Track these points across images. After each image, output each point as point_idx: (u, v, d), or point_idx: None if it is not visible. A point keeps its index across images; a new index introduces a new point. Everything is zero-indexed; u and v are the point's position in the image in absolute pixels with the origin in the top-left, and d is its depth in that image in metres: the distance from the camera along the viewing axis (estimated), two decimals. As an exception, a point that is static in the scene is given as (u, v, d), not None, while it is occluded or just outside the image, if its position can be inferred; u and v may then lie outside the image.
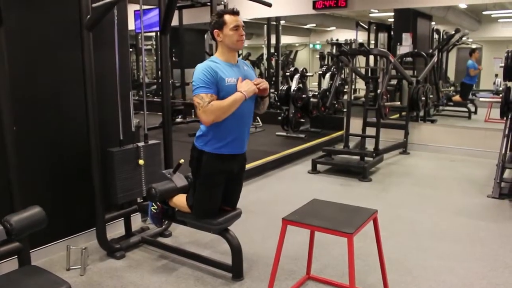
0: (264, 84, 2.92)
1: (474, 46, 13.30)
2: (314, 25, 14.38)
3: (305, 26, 14.88)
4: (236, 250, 3.10)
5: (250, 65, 3.12)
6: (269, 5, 5.66)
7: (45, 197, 3.27)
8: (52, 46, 3.37)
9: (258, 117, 8.88)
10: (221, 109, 2.72)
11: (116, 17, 3.46)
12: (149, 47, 12.72)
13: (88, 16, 3.08)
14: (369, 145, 6.61)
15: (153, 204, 3.28)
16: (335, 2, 8.05)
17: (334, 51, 9.94)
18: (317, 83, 10.94)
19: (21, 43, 3.16)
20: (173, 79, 10.41)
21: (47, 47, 3.34)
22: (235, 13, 2.85)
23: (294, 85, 7.70)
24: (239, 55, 2.99)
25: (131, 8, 4.14)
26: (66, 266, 3.29)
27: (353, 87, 8.12)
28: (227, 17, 2.81)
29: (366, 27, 9.94)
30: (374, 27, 9.77)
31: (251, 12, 9.52)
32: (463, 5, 9.18)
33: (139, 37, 3.96)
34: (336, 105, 8.12)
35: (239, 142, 2.94)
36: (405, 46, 8.38)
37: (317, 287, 3.05)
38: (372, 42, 9.83)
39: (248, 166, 5.55)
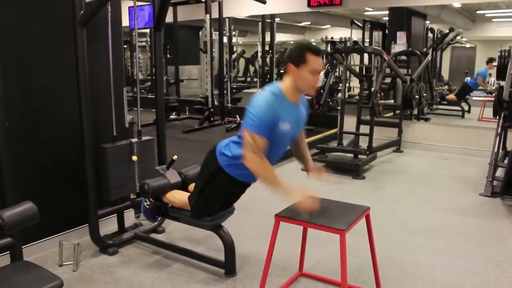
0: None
1: (468, 45, 13.36)
2: (309, 23, 14.39)
3: (299, 24, 14.88)
4: (229, 247, 3.10)
5: (306, 103, 2.82)
6: (264, 2, 5.66)
7: (37, 193, 3.24)
8: (45, 42, 3.35)
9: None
10: (262, 174, 2.54)
11: (109, 13, 3.45)
12: (143, 43, 12.68)
13: (82, 12, 3.07)
14: (363, 143, 6.62)
15: (146, 200, 3.28)
16: (330, 0, 8.06)
17: (328, 49, 9.94)
18: (311, 81, 10.93)
19: (13, 39, 3.14)
20: (167, 76, 10.39)
21: (40, 43, 3.32)
22: (319, 53, 2.51)
23: (288, 82, 7.70)
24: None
25: (125, 5, 4.12)
26: (58, 262, 3.29)
27: (347, 85, 8.14)
28: (310, 57, 2.47)
29: (361, 25, 9.95)
30: (369, 26, 9.78)
31: (246, 9, 9.51)
32: (457, 4, 9.20)
33: (133, 34, 3.95)
34: (330, 103, 8.12)
35: None
36: (400, 44, 8.40)
37: (309, 283, 3.06)
38: (367, 40, 9.84)
39: (242, 163, 5.57)
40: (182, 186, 3.31)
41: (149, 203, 3.28)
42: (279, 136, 2.57)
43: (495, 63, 5.66)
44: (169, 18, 8.26)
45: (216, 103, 9.29)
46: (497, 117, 5.36)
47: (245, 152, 2.52)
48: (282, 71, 8.27)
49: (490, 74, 9.90)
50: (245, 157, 2.53)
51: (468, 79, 10.17)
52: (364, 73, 7.79)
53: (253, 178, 2.80)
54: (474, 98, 8.83)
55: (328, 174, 2.80)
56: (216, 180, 2.83)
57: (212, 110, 8.77)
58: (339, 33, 12.27)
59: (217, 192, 2.90)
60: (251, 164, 2.52)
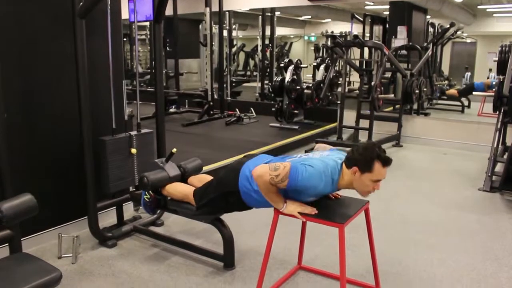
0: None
1: (468, 40, 13.34)
2: (309, 17, 14.37)
3: (300, 18, 14.86)
4: (228, 240, 3.11)
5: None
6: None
7: (36, 185, 3.24)
8: (45, 34, 3.34)
9: (251, 108, 8.87)
10: (266, 191, 2.49)
11: (109, 6, 3.43)
12: (143, 37, 12.65)
13: (81, 4, 3.06)
14: (363, 137, 6.63)
15: (146, 193, 3.28)
16: (331, -6, 8.03)
17: (328, 43, 9.92)
18: (311, 75, 10.93)
19: (12, 31, 3.13)
20: (167, 69, 10.37)
21: (39, 35, 3.31)
22: (389, 164, 2.42)
23: (288, 76, 7.69)
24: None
25: (125, -3, 4.11)
26: (57, 254, 3.29)
27: (347, 79, 8.13)
28: (378, 167, 2.37)
29: (361, 19, 9.93)
30: (369, 20, 9.77)
31: (246, 2, 9.49)
32: (458, -1, 9.20)
33: (133, 27, 3.93)
34: (330, 97, 8.11)
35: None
36: (400, 39, 8.40)
37: (308, 277, 3.07)
38: (367, 34, 9.83)
39: (240, 157, 5.57)
40: (181, 179, 3.31)
41: (149, 196, 3.27)
42: (296, 195, 2.54)
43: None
44: (169, 11, 8.24)
45: (215, 96, 9.28)
46: (497, 112, 5.36)
47: (265, 171, 2.43)
48: (281, 65, 8.24)
49: (490, 69, 9.90)
50: (261, 172, 2.45)
51: (467, 74, 10.13)
52: (364, 67, 7.78)
53: (265, 206, 2.72)
54: (474, 93, 8.83)
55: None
56: (229, 198, 2.84)
57: (211, 103, 8.76)
58: (339, 27, 12.27)
59: (227, 206, 2.93)
60: (260, 182, 2.47)
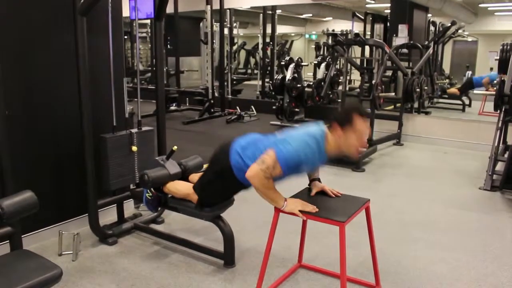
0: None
1: (470, 39, 13.33)
2: (310, 15, 14.35)
3: (301, 16, 14.85)
4: (228, 238, 3.11)
5: None
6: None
7: (37, 183, 3.25)
8: (46, 31, 3.33)
9: (252, 106, 8.87)
10: (264, 191, 2.50)
11: (110, 3, 3.43)
12: (144, 34, 12.65)
13: (82, 1, 3.05)
14: (363, 136, 6.61)
15: (148, 190, 3.28)
16: (332, -8, 8.02)
17: (329, 41, 9.91)
18: (312, 73, 10.93)
19: (13, 28, 3.13)
20: (168, 67, 10.36)
21: (40, 32, 3.31)
22: (366, 116, 2.49)
23: (289, 74, 7.69)
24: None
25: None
26: (58, 251, 3.29)
27: (348, 77, 8.13)
28: (357, 120, 2.42)
29: (363, 18, 9.93)
30: (371, 18, 9.76)
31: (248, 0, 9.48)
32: (459, -3, 9.18)
33: (134, 24, 3.93)
34: (331, 95, 8.11)
35: None
36: (401, 37, 8.37)
37: (308, 275, 3.07)
38: (368, 33, 9.83)
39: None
40: (182, 177, 3.31)
41: (151, 194, 3.28)
42: (295, 172, 2.58)
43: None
44: (170, 9, 8.23)
45: (216, 94, 9.28)
46: (498, 111, 5.35)
47: (256, 168, 2.43)
48: (282, 63, 8.23)
49: (491, 68, 9.88)
50: (253, 172, 2.44)
51: (468, 73, 10.11)
52: (365, 65, 7.78)
53: None
54: (475, 92, 8.81)
55: (334, 193, 2.78)
56: (225, 178, 2.83)
57: (212, 101, 8.76)
58: (340, 25, 12.25)
59: (225, 188, 2.94)
60: (256, 182, 2.46)
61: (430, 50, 7.87)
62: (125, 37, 10.86)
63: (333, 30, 11.09)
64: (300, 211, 2.50)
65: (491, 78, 9.48)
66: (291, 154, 2.40)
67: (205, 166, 3.22)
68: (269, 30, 10.42)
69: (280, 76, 7.82)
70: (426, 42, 8.69)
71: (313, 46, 13.19)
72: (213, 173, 2.90)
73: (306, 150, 2.42)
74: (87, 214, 3.44)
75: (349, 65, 7.19)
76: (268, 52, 10.47)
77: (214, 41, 9.12)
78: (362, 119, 2.43)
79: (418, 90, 7.03)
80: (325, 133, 2.51)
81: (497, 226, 3.94)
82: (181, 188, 3.15)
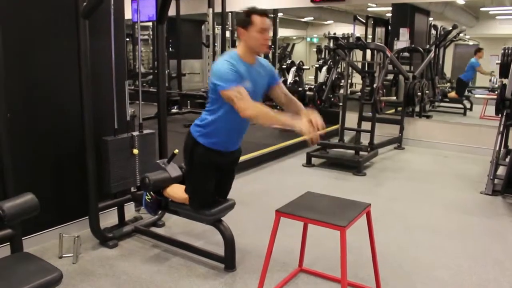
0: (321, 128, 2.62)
1: (471, 42, 13.32)
2: (312, 18, 14.35)
3: (302, 19, 14.84)
4: (229, 241, 3.10)
5: (267, 64, 2.98)
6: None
7: (38, 185, 3.24)
8: (47, 34, 3.34)
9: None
10: (264, 112, 2.56)
11: (112, 6, 3.43)
12: (146, 37, 12.67)
13: (84, 4, 3.06)
14: (364, 139, 6.61)
15: (148, 193, 3.27)
16: (333, -4, 8.03)
17: (331, 44, 9.92)
18: (313, 77, 10.94)
19: (15, 31, 3.13)
20: (170, 70, 10.37)
21: (42, 35, 3.31)
22: (264, 14, 2.72)
23: (290, 78, 7.71)
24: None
25: (128, -3, 4.11)
26: (58, 254, 3.29)
27: (349, 81, 8.13)
28: (255, 18, 2.67)
29: (364, 21, 9.93)
30: (372, 22, 9.76)
31: (249, 3, 9.48)
32: (461, 1, 9.19)
33: (136, 27, 3.93)
34: (332, 99, 8.12)
35: (233, 142, 2.96)
36: (402, 41, 8.38)
37: (309, 279, 3.06)
38: (370, 36, 9.82)
39: (243, 158, 5.52)
40: (183, 180, 3.31)
41: (150, 197, 3.27)
42: (255, 91, 2.74)
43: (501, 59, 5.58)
44: (171, 12, 8.24)
45: (217, 97, 9.26)
46: (500, 115, 5.34)
47: (238, 105, 2.58)
48: (283, 66, 8.24)
49: (492, 71, 9.87)
50: (240, 109, 2.58)
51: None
52: (366, 69, 7.76)
53: (227, 147, 2.93)
54: (476, 95, 8.81)
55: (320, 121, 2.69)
56: (196, 155, 2.90)
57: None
58: (341, 29, 12.26)
59: (202, 168, 2.93)
60: (249, 111, 2.57)
61: (432, 54, 7.88)
62: (127, 39, 10.88)
63: (334, 34, 11.14)
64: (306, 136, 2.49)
65: (476, 65, 9.70)
66: (226, 76, 2.60)
67: None
68: (270, 33, 10.42)
69: (281, 80, 7.82)
70: (428, 46, 8.70)
71: (315, 50, 13.22)
72: (188, 163, 2.97)
73: (228, 66, 2.62)
74: (87, 217, 3.44)
75: (350, 68, 7.19)
76: (270, 55, 10.47)
77: (215, 44, 9.11)
78: (259, 16, 2.68)
79: (419, 94, 7.04)
80: (235, 50, 2.79)
81: (498, 230, 3.93)
82: (180, 192, 3.14)
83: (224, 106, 2.74)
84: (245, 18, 2.69)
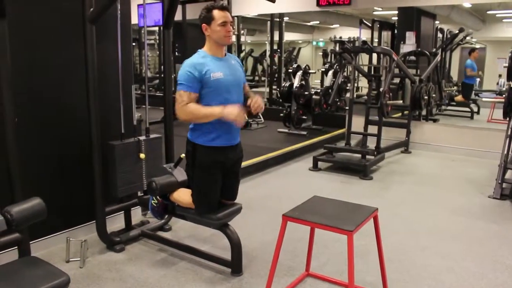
0: (260, 108, 2.96)
1: (478, 46, 13.28)
2: (318, 22, 14.36)
3: (308, 23, 14.87)
4: (236, 246, 3.10)
5: (238, 59, 3.17)
6: (273, 1, 5.64)
7: (45, 189, 3.26)
8: (55, 39, 3.36)
9: (260, 114, 8.87)
10: (195, 115, 2.82)
11: (119, 11, 3.45)
12: (152, 41, 12.72)
13: (91, 9, 3.07)
14: (371, 143, 6.60)
15: (154, 198, 3.28)
16: (339, -1, 8.03)
17: (337, 48, 9.91)
18: (319, 81, 10.93)
19: (23, 36, 3.15)
20: (176, 74, 10.39)
21: (50, 39, 3.33)
22: (224, 8, 2.88)
23: (296, 82, 7.70)
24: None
25: (134, 2, 4.13)
26: (65, 258, 3.30)
27: (355, 85, 8.12)
28: (215, 13, 2.84)
29: (370, 25, 9.92)
30: (378, 25, 9.76)
31: (255, 8, 9.50)
32: (467, 4, 9.15)
33: (142, 32, 3.95)
34: (338, 103, 8.10)
35: (229, 135, 2.97)
36: (409, 44, 8.37)
37: (316, 284, 3.05)
38: (376, 40, 9.82)
39: (249, 162, 5.57)
40: (189, 185, 3.31)
41: (156, 201, 3.28)
42: (217, 84, 2.84)
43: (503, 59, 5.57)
44: (178, 16, 8.26)
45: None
46: (507, 119, 5.31)
47: (176, 109, 2.84)
48: (289, 70, 8.24)
49: (500, 75, 9.83)
50: (176, 113, 2.85)
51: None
52: (372, 73, 7.77)
53: (227, 139, 2.97)
54: (483, 99, 8.77)
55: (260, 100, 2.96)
56: (197, 158, 2.96)
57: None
58: (347, 32, 12.24)
59: (205, 169, 2.96)
60: (181, 115, 2.82)
61: (438, 57, 7.85)
62: (134, 44, 10.92)
63: (340, 37, 11.12)
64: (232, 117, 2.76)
65: (470, 67, 9.74)
66: (183, 78, 2.80)
67: None
68: (276, 37, 10.43)
69: (287, 84, 7.83)
70: (434, 49, 8.68)
71: (321, 53, 13.22)
72: (192, 167, 3.02)
73: (189, 66, 2.81)
74: (94, 221, 3.45)
75: (356, 72, 7.19)
76: (276, 59, 10.49)
77: (221, 48, 9.14)
78: (219, 10, 2.84)
79: (426, 97, 7.01)
80: (201, 49, 2.95)
81: (506, 235, 3.90)
82: (186, 197, 3.14)
83: (205, 99, 2.86)
84: (206, 14, 2.86)
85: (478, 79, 10.35)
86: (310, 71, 8.11)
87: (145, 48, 4.75)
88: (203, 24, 2.88)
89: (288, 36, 12.53)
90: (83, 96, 3.25)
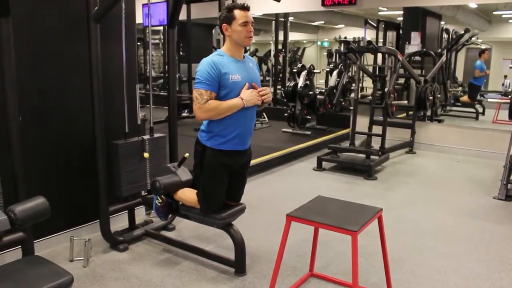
0: (268, 97, 2.96)
1: (483, 46, 13.23)
2: (323, 22, 14.34)
3: (313, 23, 14.84)
4: (239, 245, 3.09)
5: (255, 62, 3.12)
6: (278, 0, 5.63)
7: (49, 188, 3.26)
8: (59, 38, 3.36)
9: (264, 113, 8.87)
10: (216, 110, 2.77)
11: (123, 10, 3.45)
12: (157, 41, 12.73)
13: (96, 8, 3.08)
14: (375, 143, 6.58)
15: (158, 197, 3.28)
16: (344, -1, 8.01)
17: (342, 48, 9.88)
18: (324, 80, 10.91)
19: (27, 35, 3.15)
20: (180, 74, 10.40)
21: (54, 38, 3.33)
22: (245, 8, 2.82)
23: (301, 82, 7.68)
24: (246, 51, 3.02)
25: (139, 2, 4.13)
26: (69, 257, 3.30)
27: (360, 85, 8.09)
28: (236, 12, 2.79)
29: (375, 25, 9.89)
30: (383, 26, 9.72)
31: (260, 7, 9.49)
32: (473, 5, 9.10)
33: (147, 31, 3.95)
34: (343, 103, 8.08)
35: (242, 139, 2.95)
36: (414, 45, 8.34)
37: (320, 284, 3.04)
38: (381, 40, 9.78)
39: (253, 162, 5.53)
40: (193, 184, 3.30)
41: (160, 200, 3.28)
42: (234, 86, 2.82)
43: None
44: (182, 16, 8.26)
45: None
46: (513, 120, 5.29)
47: (194, 108, 2.79)
48: (294, 70, 8.22)
49: (505, 76, 9.78)
50: (195, 112, 2.81)
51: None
52: (377, 73, 7.73)
53: (237, 144, 2.94)
54: (489, 100, 8.73)
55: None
56: (206, 160, 2.93)
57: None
58: (352, 32, 12.21)
59: (213, 171, 2.94)
60: (201, 114, 2.79)
61: (443, 58, 7.82)
62: (138, 43, 10.92)
63: (345, 38, 11.08)
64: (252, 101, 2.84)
65: (479, 68, 9.63)
66: (202, 76, 2.75)
67: None
68: (281, 37, 10.41)
69: (292, 83, 7.81)
70: (439, 50, 8.64)
71: (325, 53, 13.18)
72: (199, 168, 3.00)
73: (208, 65, 2.75)
74: (98, 220, 3.45)
75: (361, 72, 7.15)
76: (280, 59, 10.47)
77: (226, 48, 9.14)
78: (241, 10, 2.80)
79: (431, 98, 6.99)
80: (221, 48, 2.91)
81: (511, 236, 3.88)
82: (191, 196, 3.14)
83: (220, 100, 2.81)
84: (227, 14, 2.81)
85: (484, 80, 10.28)
86: (314, 71, 8.09)
87: (150, 48, 4.75)
88: (224, 24, 2.83)
89: (293, 36, 12.50)
90: (87, 95, 3.25)
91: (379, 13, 10.23)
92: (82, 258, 3.27)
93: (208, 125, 2.91)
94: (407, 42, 8.49)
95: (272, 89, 10.43)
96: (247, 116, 2.92)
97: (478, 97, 9.93)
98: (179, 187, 3.24)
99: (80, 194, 3.59)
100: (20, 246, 2.77)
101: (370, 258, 3.32)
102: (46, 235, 3.41)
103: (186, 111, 9.57)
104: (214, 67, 2.74)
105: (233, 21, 2.79)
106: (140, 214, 4.05)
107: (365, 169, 5.72)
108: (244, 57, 2.96)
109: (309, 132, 7.75)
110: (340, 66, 8.67)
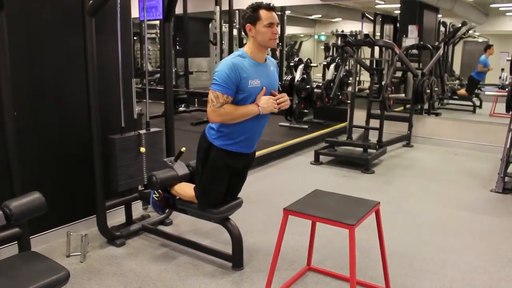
0: (286, 104, 2.85)
1: (480, 39, 13.23)
2: (320, 16, 14.31)
3: (310, 17, 14.81)
4: (237, 240, 3.09)
5: (276, 65, 3.02)
6: (275, -6, 5.58)
7: (45, 184, 3.26)
8: (54, 32, 3.34)
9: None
10: (231, 115, 2.69)
11: (119, 4, 3.42)
12: (153, 35, 12.68)
13: (90, 1, 3.05)
14: (373, 137, 6.58)
15: (155, 192, 3.26)
16: (341, -7, 7.99)
17: (339, 42, 9.87)
18: (321, 74, 10.90)
19: (22, 28, 3.13)
20: (177, 68, 10.37)
21: (49, 32, 3.31)
22: (271, 8, 2.71)
23: (298, 75, 7.66)
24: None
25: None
26: (66, 253, 3.29)
27: (357, 78, 8.08)
28: (262, 13, 2.67)
29: (372, 18, 9.87)
30: (380, 19, 9.70)
31: (255, 1, 9.48)
32: (470, -3, 9.10)
33: (143, 25, 3.93)
34: (340, 97, 8.08)
35: (250, 143, 2.92)
36: (411, 38, 8.33)
37: (317, 278, 3.04)
38: (378, 33, 9.77)
39: (250, 156, 5.56)
40: (190, 179, 3.29)
41: (158, 195, 3.27)
42: (252, 90, 2.72)
43: None
44: (179, 10, 8.22)
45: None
46: (510, 113, 5.28)
47: (208, 110, 2.69)
48: (291, 64, 8.21)
49: (502, 69, 9.78)
50: (208, 114, 2.71)
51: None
52: (374, 66, 7.72)
53: (244, 147, 2.90)
54: (486, 93, 8.73)
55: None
56: (210, 158, 2.88)
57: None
58: (350, 26, 12.19)
59: (215, 170, 2.91)
60: (215, 117, 2.69)
61: (440, 51, 7.82)
62: (134, 38, 10.90)
63: (342, 31, 11.06)
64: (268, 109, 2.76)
65: (482, 63, 9.59)
66: (220, 78, 2.63)
67: None
68: (278, 30, 10.39)
69: (289, 77, 7.79)
70: (436, 43, 8.64)
71: (322, 47, 13.15)
72: (201, 162, 2.94)
73: (229, 67, 2.63)
74: (95, 215, 3.44)
75: (358, 66, 7.14)
76: (277, 53, 10.44)
77: (223, 42, 9.09)
78: (266, 10, 2.69)
79: (428, 91, 6.98)
80: (243, 48, 2.79)
81: (509, 229, 3.88)
82: (188, 190, 3.13)
83: (236, 104, 2.72)
84: (252, 14, 2.68)
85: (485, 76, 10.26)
86: (311, 64, 8.08)
87: (146, 42, 4.73)
88: (247, 24, 2.70)
89: (290, 30, 12.48)
90: (83, 90, 3.23)
91: (376, 6, 10.23)
92: (79, 253, 3.26)
93: (219, 125, 2.82)
94: (404, 36, 8.48)
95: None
96: (260, 122, 2.88)
97: (476, 91, 9.93)
98: (176, 181, 3.23)
99: (77, 189, 3.58)
100: (16, 242, 2.76)
101: (368, 251, 3.32)
102: (43, 231, 3.40)
103: (182, 105, 9.56)
104: (234, 70, 2.63)
105: (258, 22, 2.67)
106: (137, 209, 4.04)
107: (362, 163, 5.72)
108: (266, 59, 2.83)
109: (306, 126, 7.74)
110: (337, 59, 8.67)
